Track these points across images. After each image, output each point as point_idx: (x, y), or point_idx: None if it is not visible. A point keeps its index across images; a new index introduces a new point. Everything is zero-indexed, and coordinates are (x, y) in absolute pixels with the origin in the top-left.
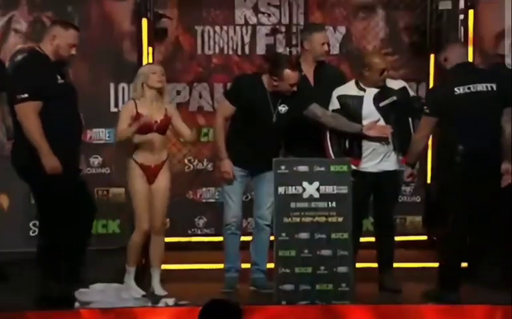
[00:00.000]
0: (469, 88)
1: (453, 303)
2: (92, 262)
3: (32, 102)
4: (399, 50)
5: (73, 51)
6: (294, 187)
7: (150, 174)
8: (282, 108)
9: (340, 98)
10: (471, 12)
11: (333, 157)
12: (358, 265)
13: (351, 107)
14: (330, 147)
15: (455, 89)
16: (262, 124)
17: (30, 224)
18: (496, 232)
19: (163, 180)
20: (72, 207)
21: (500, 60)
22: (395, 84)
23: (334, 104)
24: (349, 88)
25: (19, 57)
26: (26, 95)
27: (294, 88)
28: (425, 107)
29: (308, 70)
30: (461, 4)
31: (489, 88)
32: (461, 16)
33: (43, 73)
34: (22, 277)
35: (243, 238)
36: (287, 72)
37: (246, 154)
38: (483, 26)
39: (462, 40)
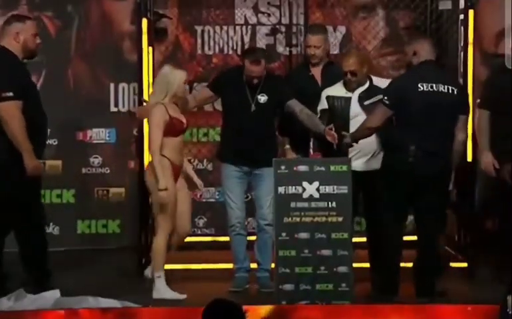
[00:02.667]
0: (431, 87)
1: (390, 304)
2: (92, 261)
3: (17, 101)
4: (400, 50)
5: (38, 40)
6: (294, 187)
7: (176, 175)
8: (261, 97)
9: (328, 98)
10: (471, 12)
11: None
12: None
13: (339, 108)
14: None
15: (419, 85)
16: (242, 114)
17: None
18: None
19: (182, 181)
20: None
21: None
22: (382, 83)
23: (323, 104)
24: (337, 89)
25: None
26: (11, 93)
27: (255, 80)
28: (385, 97)
29: (316, 70)
30: (461, 4)
31: (451, 91)
32: (461, 16)
33: (21, 71)
34: (21, 277)
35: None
36: (246, 62)
37: (235, 149)
38: (483, 26)
39: (462, 40)
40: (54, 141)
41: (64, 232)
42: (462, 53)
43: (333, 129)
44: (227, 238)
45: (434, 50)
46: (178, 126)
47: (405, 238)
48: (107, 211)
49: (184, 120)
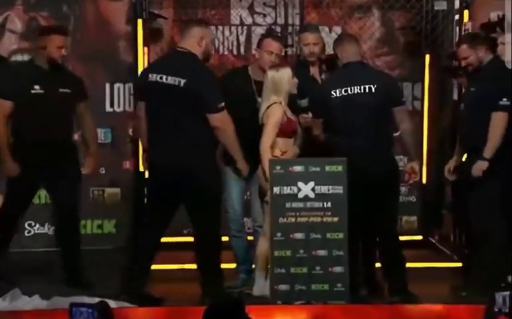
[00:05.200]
0: (346, 91)
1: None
2: (88, 262)
3: (226, 110)
4: (395, 50)
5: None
6: (289, 187)
7: None
8: None
9: None
10: (466, 12)
11: None
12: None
13: None
14: None
15: (332, 92)
16: (249, 113)
17: (26, 225)
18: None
19: None
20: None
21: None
22: None
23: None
24: None
25: (197, 68)
26: (223, 104)
27: (272, 58)
28: (310, 106)
29: (315, 70)
30: (456, 5)
31: (367, 90)
32: (457, 17)
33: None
34: (18, 277)
35: None
36: (268, 40)
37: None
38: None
39: (458, 40)
40: None
41: None
42: None
43: None
44: (225, 238)
45: (358, 49)
46: (293, 127)
47: (406, 238)
48: (102, 212)
49: (296, 120)
